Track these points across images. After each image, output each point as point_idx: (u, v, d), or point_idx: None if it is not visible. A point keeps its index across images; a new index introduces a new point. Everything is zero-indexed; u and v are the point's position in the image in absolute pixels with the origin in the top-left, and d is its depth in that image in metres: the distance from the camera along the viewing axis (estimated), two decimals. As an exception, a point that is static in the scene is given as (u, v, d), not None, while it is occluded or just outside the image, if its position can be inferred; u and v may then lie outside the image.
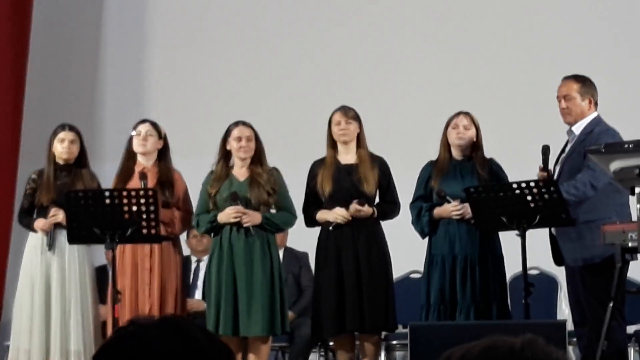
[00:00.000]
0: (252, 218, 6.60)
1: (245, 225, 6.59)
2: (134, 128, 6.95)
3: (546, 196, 6.04)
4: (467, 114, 6.76)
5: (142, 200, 6.26)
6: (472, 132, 6.72)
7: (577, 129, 6.34)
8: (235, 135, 6.71)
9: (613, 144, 5.69)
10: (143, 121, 6.98)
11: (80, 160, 6.98)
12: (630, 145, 5.33)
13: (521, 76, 8.68)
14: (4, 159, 8.51)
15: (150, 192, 6.33)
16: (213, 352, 1.65)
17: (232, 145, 6.72)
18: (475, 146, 6.74)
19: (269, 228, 6.67)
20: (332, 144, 6.83)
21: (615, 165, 5.33)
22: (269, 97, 8.94)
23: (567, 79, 6.46)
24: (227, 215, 6.60)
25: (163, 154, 6.94)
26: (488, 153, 6.80)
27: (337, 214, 6.66)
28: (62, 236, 6.77)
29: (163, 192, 6.80)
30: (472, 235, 6.55)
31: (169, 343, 1.62)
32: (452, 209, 6.57)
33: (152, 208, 6.25)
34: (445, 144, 6.76)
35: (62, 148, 6.91)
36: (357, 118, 6.82)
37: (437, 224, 6.66)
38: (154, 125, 6.94)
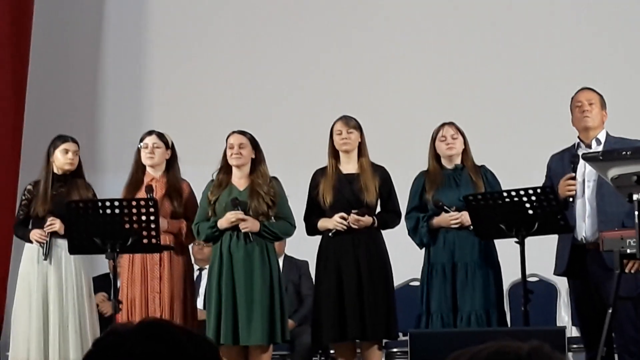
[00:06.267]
0: (251, 225, 6.62)
1: (243, 231, 6.61)
2: (141, 140, 6.96)
3: (544, 203, 6.06)
4: (451, 123, 6.80)
5: (143, 210, 6.27)
6: (460, 141, 6.76)
7: (601, 137, 6.36)
8: (229, 143, 6.77)
9: (611, 151, 5.70)
10: (149, 133, 6.99)
11: (77, 171, 7.01)
12: (628, 153, 5.34)
13: (514, 85, 8.73)
14: (5, 169, 8.52)
15: (150, 202, 6.35)
16: (196, 353, 1.63)
17: (227, 153, 6.77)
18: (464, 154, 6.78)
19: (267, 236, 6.69)
20: (334, 153, 6.86)
21: (613, 172, 5.35)
22: (270, 105, 8.96)
23: (588, 88, 6.48)
24: (226, 219, 6.62)
25: (171, 164, 6.95)
26: (480, 161, 6.83)
27: (336, 222, 6.70)
28: (59, 246, 6.78)
29: (171, 202, 6.84)
30: (471, 242, 6.56)
31: (149, 349, 1.61)
32: (450, 218, 6.59)
33: (152, 217, 6.27)
34: (434, 156, 6.79)
35: (66, 159, 6.92)
36: (358, 127, 6.86)
37: (436, 233, 6.69)
38: (160, 136, 6.95)
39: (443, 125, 6.79)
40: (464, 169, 6.75)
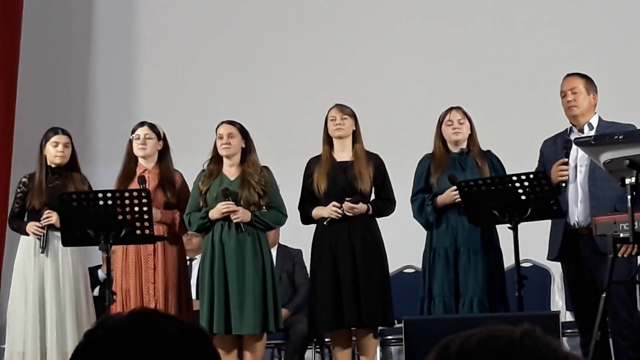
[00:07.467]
0: (242, 215, 6.63)
1: (234, 221, 6.61)
2: (133, 131, 6.96)
3: (537, 189, 6.06)
4: (458, 108, 6.79)
5: (136, 201, 6.27)
6: (467, 125, 6.76)
7: (594, 121, 6.36)
8: (219, 133, 6.78)
9: (603, 135, 5.70)
10: (141, 124, 6.99)
11: (72, 164, 6.99)
12: (620, 137, 5.35)
13: (514, 71, 8.72)
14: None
15: (143, 193, 6.34)
16: (185, 342, 1.63)
17: (217, 143, 6.78)
18: (470, 139, 6.78)
19: (258, 226, 6.70)
20: (328, 140, 6.87)
21: (606, 156, 5.35)
22: (262, 96, 8.95)
23: (571, 75, 6.46)
24: (217, 210, 6.63)
25: (163, 155, 6.96)
26: (484, 147, 6.83)
27: (331, 210, 6.69)
28: (55, 238, 6.78)
29: (164, 193, 6.84)
30: (474, 227, 6.56)
31: (138, 341, 1.61)
32: (452, 193, 6.57)
33: (145, 208, 6.26)
34: (440, 139, 6.78)
35: (57, 152, 6.91)
36: (352, 115, 6.86)
37: (441, 214, 6.66)
38: (152, 127, 6.95)
39: (450, 109, 6.78)
40: (470, 153, 6.75)
